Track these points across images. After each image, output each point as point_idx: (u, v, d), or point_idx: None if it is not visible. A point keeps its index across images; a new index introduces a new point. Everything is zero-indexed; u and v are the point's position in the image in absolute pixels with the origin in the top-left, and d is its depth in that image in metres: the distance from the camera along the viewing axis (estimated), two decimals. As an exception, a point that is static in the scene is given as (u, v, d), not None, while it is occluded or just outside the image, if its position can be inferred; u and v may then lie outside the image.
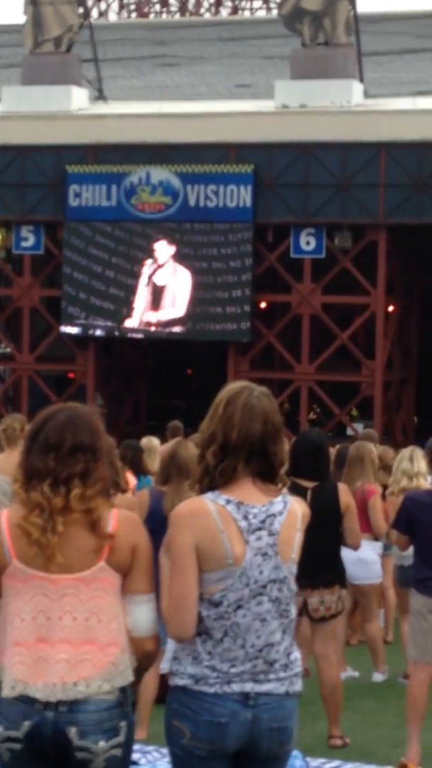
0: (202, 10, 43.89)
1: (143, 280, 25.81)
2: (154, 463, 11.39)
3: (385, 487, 10.85)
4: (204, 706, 4.23)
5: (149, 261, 25.75)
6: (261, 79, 29.26)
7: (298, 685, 4.36)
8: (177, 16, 43.83)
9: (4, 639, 4.22)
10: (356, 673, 10.50)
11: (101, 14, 43.60)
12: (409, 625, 8.24)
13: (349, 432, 24.86)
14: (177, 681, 4.29)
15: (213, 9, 43.87)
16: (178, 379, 31.37)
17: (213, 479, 4.30)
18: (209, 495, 4.29)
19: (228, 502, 4.26)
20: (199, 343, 27.19)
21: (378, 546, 10.76)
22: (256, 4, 43.67)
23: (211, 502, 4.27)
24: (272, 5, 41.22)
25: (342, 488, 8.54)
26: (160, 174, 25.64)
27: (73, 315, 26.34)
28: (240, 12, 43.65)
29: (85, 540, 4.18)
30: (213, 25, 38.64)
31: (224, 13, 43.58)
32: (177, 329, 25.83)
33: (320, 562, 8.10)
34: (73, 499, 4.16)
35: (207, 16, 43.11)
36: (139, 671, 4.30)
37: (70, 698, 4.12)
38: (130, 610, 4.25)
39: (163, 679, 7.29)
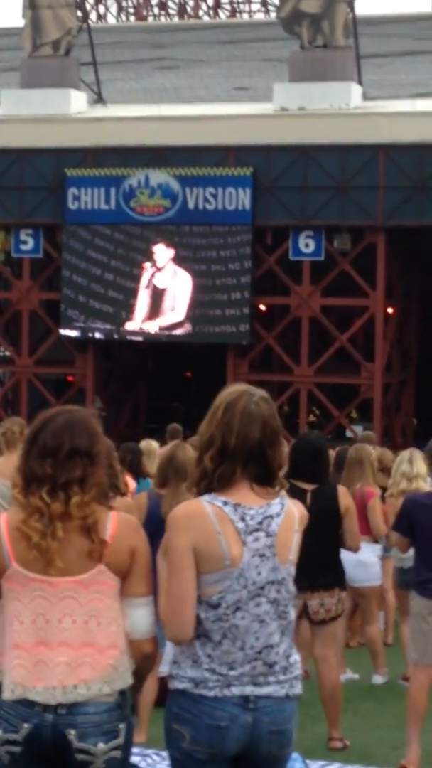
0: (201, 13, 43.92)
1: (143, 285, 25.80)
2: (153, 466, 11.37)
3: (384, 489, 10.85)
4: (204, 710, 4.23)
5: (148, 264, 25.76)
6: (260, 81, 29.28)
7: (297, 688, 4.36)
8: (176, 19, 43.86)
9: (3, 642, 4.22)
10: (356, 676, 10.50)
11: (100, 17, 43.63)
12: (410, 627, 8.24)
13: (349, 434, 24.87)
14: (177, 684, 4.29)
15: (212, 12, 43.90)
16: (177, 382, 31.37)
17: (210, 483, 4.31)
18: (206, 497, 4.30)
19: (225, 503, 4.27)
20: (198, 346, 27.20)
21: (377, 548, 10.76)
22: (255, 7, 43.72)
23: (208, 503, 4.27)
24: (271, 8, 41.26)
25: (341, 490, 8.54)
26: (159, 177, 25.65)
27: (72, 318, 26.35)
28: (239, 15, 43.69)
29: (82, 544, 4.19)
30: (212, 28, 38.67)
31: (223, 16, 43.63)
32: (177, 332, 25.83)
33: (320, 564, 8.10)
34: (72, 506, 4.16)
35: (206, 19, 43.15)
36: (139, 674, 4.31)
37: (70, 701, 4.13)
38: (128, 612, 4.26)
39: (163, 682, 7.29)
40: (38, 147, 26.24)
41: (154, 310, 25.83)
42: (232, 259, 25.32)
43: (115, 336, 26.39)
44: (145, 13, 44.23)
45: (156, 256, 25.71)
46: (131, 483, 10.34)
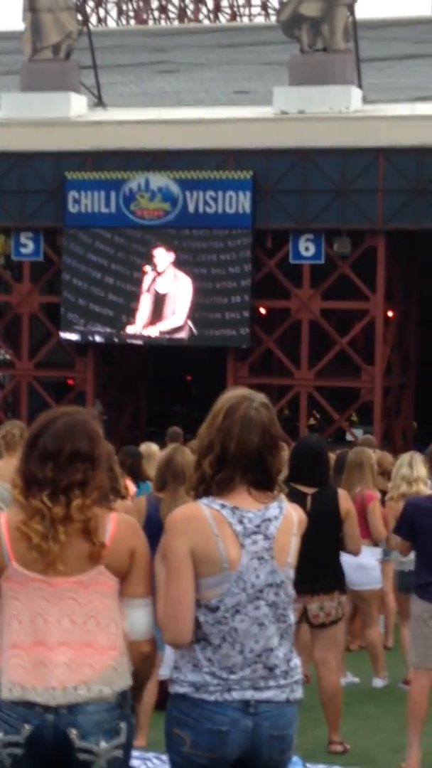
0: (201, 17, 43.95)
1: (145, 289, 25.79)
2: (153, 470, 11.36)
3: (384, 492, 10.85)
4: (204, 714, 4.22)
5: (149, 268, 25.76)
6: (260, 85, 29.30)
7: (298, 693, 4.36)
8: (176, 23, 43.89)
9: (1, 641, 4.22)
10: (356, 679, 10.50)
11: (100, 21, 43.67)
12: (410, 630, 8.23)
13: (349, 437, 24.86)
14: (177, 689, 4.29)
15: (212, 15, 43.94)
16: (177, 385, 31.37)
17: (209, 487, 4.31)
18: (204, 500, 4.30)
19: (223, 506, 4.27)
20: (198, 349, 27.20)
21: (377, 551, 10.76)
22: (255, 11, 43.76)
23: (205, 506, 4.27)
24: (271, 11, 41.29)
25: (342, 494, 8.54)
26: (159, 180, 25.66)
27: (72, 321, 26.35)
28: (239, 18, 43.72)
29: (83, 547, 4.19)
30: (212, 32, 38.69)
31: (223, 19, 43.66)
32: (177, 335, 25.83)
33: (320, 567, 8.10)
34: (74, 509, 4.16)
35: (206, 22, 43.18)
36: (139, 676, 4.31)
37: (70, 702, 4.13)
38: (127, 613, 4.26)
39: (163, 685, 7.28)
40: (38, 150, 26.25)
41: (157, 315, 25.84)
42: (232, 262, 25.32)
43: (115, 339, 26.39)
44: (145, 16, 44.26)
45: (156, 260, 25.71)
46: (131, 487, 10.33)
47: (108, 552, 4.20)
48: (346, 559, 8.72)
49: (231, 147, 25.19)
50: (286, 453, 8.98)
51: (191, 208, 25.44)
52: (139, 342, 26.44)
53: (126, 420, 28.70)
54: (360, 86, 25.84)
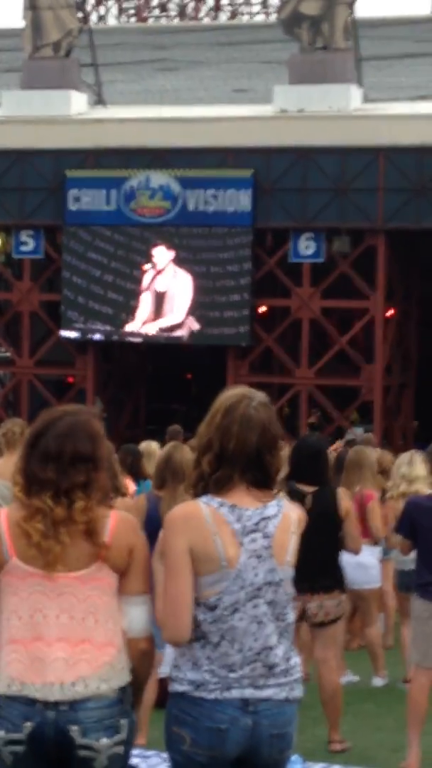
0: (201, 15, 43.95)
1: (145, 288, 25.77)
2: (153, 468, 11.37)
3: (383, 491, 10.85)
4: (204, 713, 4.23)
5: (148, 266, 25.74)
6: (260, 83, 29.27)
7: (298, 691, 4.36)
8: (176, 21, 43.88)
9: (0, 636, 4.22)
10: (356, 678, 10.50)
11: (100, 19, 43.65)
12: (411, 629, 8.24)
13: (350, 436, 24.83)
14: (177, 687, 4.29)
15: (212, 14, 43.94)
16: (177, 384, 31.37)
17: (208, 486, 4.32)
18: (203, 498, 4.30)
19: (221, 505, 4.27)
20: (198, 348, 27.19)
21: (377, 550, 10.77)
22: (255, 9, 43.74)
23: (204, 505, 4.28)
24: (271, 10, 41.27)
25: (342, 493, 8.55)
26: (159, 178, 25.65)
27: (72, 319, 26.35)
28: (239, 17, 43.70)
29: (84, 547, 4.19)
30: (212, 30, 38.65)
31: (223, 17, 43.66)
32: (176, 333, 25.83)
33: (319, 566, 8.10)
34: (77, 511, 4.17)
35: (206, 20, 43.18)
36: (138, 674, 4.31)
37: (68, 698, 4.13)
38: (125, 610, 4.27)
39: (162, 683, 7.29)
40: (39, 148, 26.24)
41: (157, 313, 25.84)
42: (231, 260, 25.32)
43: (115, 337, 26.38)
44: (145, 14, 44.26)
45: (156, 258, 25.70)
46: (131, 486, 10.33)
47: (107, 549, 4.20)
48: (345, 558, 8.73)
49: (231, 145, 25.19)
50: (286, 452, 8.98)
51: (191, 207, 25.44)
52: (139, 340, 26.44)
53: (126, 418, 28.69)
54: (360, 85, 25.83)
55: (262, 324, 25.95)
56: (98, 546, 4.18)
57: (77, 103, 26.95)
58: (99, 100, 27.86)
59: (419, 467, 9.92)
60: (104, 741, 4.13)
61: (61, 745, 4.13)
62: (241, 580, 4.24)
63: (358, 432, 21.64)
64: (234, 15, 43.80)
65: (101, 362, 27.45)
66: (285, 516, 4.33)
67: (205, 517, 4.23)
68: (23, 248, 27.03)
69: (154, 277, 25.73)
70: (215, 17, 43.64)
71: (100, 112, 27.31)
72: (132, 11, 44.70)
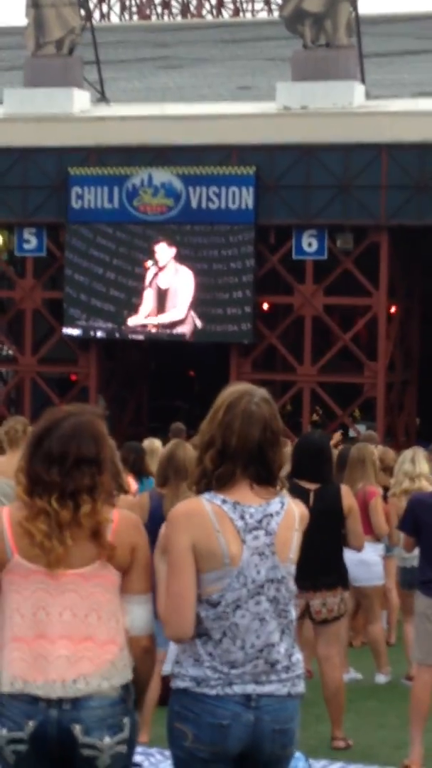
0: (204, 12, 43.91)
1: (147, 285, 25.76)
2: (156, 465, 11.37)
3: (386, 488, 10.85)
4: (206, 709, 4.23)
5: (150, 263, 25.74)
6: (262, 80, 29.27)
7: (300, 687, 4.36)
8: (179, 18, 43.84)
9: (2, 634, 4.22)
10: (359, 675, 10.51)
11: (103, 16, 43.61)
12: (414, 627, 8.23)
13: (352, 433, 24.85)
14: (179, 683, 4.30)
15: (215, 11, 43.90)
16: (180, 381, 31.36)
17: (210, 482, 4.32)
18: (205, 495, 4.31)
19: (224, 502, 4.27)
20: (201, 345, 27.19)
21: (380, 548, 10.77)
22: (258, 6, 43.69)
23: (207, 502, 4.28)
24: (274, 7, 41.23)
25: (345, 490, 8.54)
26: (162, 176, 25.64)
27: (74, 317, 26.35)
28: (242, 14, 43.66)
29: (88, 547, 4.20)
30: (215, 27, 38.67)
31: (226, 15, 43.61)
32: (179, 330, 25.83)
33: (322, 564, 8.11)
34: (83, 515, 4.16)
35: (209, 18, 43.13)
36: (141, 672, 4.31)
37: (69, 696, 4.13)
38: (128, 609, 4.27)
39: (165, 681, 7.29)
40: (41, 146, 26.23)
41: (160, 310, 25.83)
42: (233, 257, 25.30)
43: (117, 335, 26.38)
44: (148, 12, 44.21)
45: (158, 255, 25.69)
46: (134, 483, 10.32)
47: (113, 550, 4.21)
48: (348, 555, 8.73)
49: (234, 143, 25.17)
50: (288, 449, 8.99)
51: (194, 204, 25.43)
52: (141, 337, 26.43)
53: (128, 415, 28.70)
54: (363, 82, 25.81)
55: (265, 321, 25.94)
56: (104, 547, 4.18)
57: (80, 100, 26.96)
58: (102, 98, 27.86)
59: (422, 464, 9.92)
60: (107, 739, 4.13)
61: (63, 743, 4.13)
62: (243, 577, 4.25)
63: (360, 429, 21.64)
64: (237, 12, 43.75)
65: (104, 360, 27.45)
66: (288, 513, 4.34)
67: (208, 514, 4.24)
68: (26, 246, 27.04)
69: (156, 275, 25.73)
70: (218, 14, 43.60)
71: (103, 110, 27.30)
72: (135, 9, 44.65)
